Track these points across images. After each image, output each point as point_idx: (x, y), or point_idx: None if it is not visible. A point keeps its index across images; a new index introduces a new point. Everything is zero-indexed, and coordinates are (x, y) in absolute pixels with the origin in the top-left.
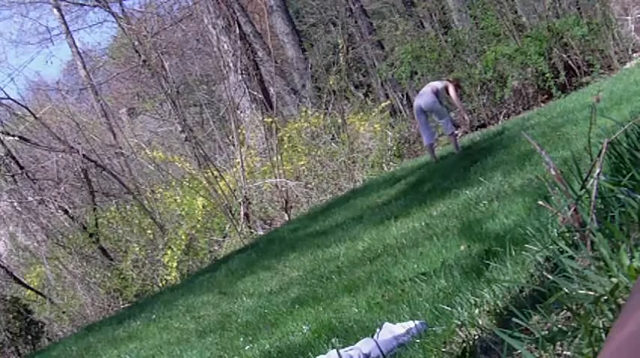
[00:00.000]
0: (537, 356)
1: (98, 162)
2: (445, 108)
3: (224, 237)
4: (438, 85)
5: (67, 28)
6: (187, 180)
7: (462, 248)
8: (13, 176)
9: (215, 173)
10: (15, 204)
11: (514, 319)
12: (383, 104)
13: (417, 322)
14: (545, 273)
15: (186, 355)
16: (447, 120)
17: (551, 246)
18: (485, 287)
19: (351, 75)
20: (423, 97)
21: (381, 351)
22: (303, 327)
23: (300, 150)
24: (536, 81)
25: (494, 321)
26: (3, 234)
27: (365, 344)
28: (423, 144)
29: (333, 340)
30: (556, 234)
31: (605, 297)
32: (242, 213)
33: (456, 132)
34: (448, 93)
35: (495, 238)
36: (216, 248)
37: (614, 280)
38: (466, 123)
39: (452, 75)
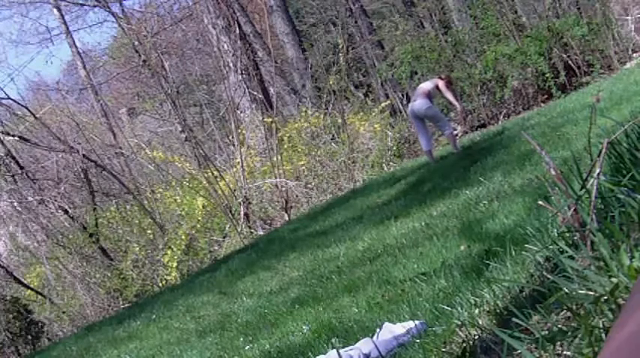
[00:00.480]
0: (537, 356)
1: (98, 162)
2: (445, 108)
3: (224, 237)
4: (428, 86)
5: (67, 28)
6: (187, 180)
7: (462, 248)
8: (13, 176)
9: (215, 173)
10: (15, 204)
11: (514, 319)
12: (383, 104)
13: (417, 322)
14: (545, 273)
15: (186, 355)
16: (443, 122)
17: (551, 246)
18: (485, 287)
19: (351, 75)
20: (416, 103)
21: (380, 352)
22: (303, 327)
23: (300, 150)
24: (536, 81)
25: (494, 321)
26: (3, 234)
27: (365, 344)
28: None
29: (333, 340)
30: (556, 234)
31: (605, 297)
32: (242, 213)
33: (455, 132)
34: (440, 90)
35: (495, 238)
36: (216, 248)
37: (614, 280)
38: (460, 113)
39: (444, 72)
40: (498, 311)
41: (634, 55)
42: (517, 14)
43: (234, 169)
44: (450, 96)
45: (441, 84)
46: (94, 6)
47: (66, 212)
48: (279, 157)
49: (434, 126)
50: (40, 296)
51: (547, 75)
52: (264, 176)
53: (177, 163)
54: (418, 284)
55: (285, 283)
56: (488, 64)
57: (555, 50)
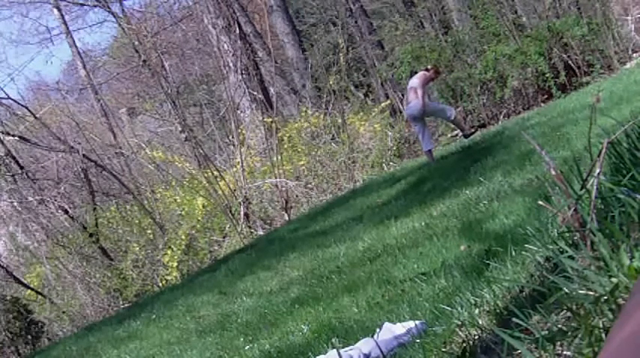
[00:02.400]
0: (537, 356)
1: (98, 162)
2: (445, 106)
3: (224, 237)
4: (416, 83)
5: (67, 28)
6: (187, 180)
7: (462, 248)
8: (13, 176)
9: (215, 173)
10: (15, 204)
11: (514, 319)
12: (383, 104)
13: (417, 322)
14: (545, 273)
15: (186, 355)
16: (443, 110)
17: (551, 246)
18: (485, 287)
19: (351, 75)
20: (411, 105)
21: (381, 351)
22: (303, 327)
23: (300, 150)
24: (536, 81)
25: (494, 321)
26: (3, 234)
27: (365, 344)
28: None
29: (333, 340)
30: (556, 234)
31: (605, 297)
32: (242, 213)
33: (455, 132)
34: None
35: (495, 238)
36: (216, 248)
37: (614, 280)
38: (420, 108)
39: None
40: (498, 311)
41: (634, 55)
42: (517, 14)
43: (234, 169)
44: (420, 91)
45: (421, 76)
46: (94, 6)
47: (66, 212)
48: (279, 157)
49: (435, 125)
50: (40, 296)
51: (547, 75)
52: (264, 176)
53: (177, 163)
54: (418, 284)
55: (285, 283)
56: (489, 64)
57: (555, 50)
